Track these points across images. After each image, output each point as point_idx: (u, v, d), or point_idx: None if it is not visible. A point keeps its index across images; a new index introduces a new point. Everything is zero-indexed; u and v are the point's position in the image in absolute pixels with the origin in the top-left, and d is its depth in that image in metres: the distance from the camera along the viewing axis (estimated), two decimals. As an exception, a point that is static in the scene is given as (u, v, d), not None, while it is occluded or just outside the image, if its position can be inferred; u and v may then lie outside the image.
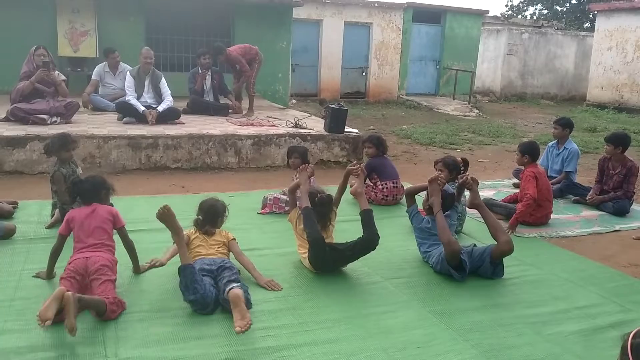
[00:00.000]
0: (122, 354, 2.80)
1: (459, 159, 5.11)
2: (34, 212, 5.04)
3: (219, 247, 3.74)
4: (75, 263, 3.33)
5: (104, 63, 9.21)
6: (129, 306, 3.31)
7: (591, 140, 11.29)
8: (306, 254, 3.95)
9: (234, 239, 3.89)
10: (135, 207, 5.30)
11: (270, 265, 4.04)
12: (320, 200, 4.04)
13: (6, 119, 7.27)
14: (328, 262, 3.88)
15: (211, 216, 3.82)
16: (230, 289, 3.22)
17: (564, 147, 6.79)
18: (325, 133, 7.92)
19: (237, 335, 3.04)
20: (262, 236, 4.72)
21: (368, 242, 3.87)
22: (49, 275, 3.61)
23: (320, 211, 4.00)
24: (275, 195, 5.48)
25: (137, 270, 3.77)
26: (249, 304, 3.30)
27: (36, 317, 2.87)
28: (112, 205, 3.95)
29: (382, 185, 5.89)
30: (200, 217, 3.83)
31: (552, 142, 7.05)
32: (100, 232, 3.49)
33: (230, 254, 3.84)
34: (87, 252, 3.39)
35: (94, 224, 3.49)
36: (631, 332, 2.00)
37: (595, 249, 4.89)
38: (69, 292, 2.90)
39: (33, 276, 3.66)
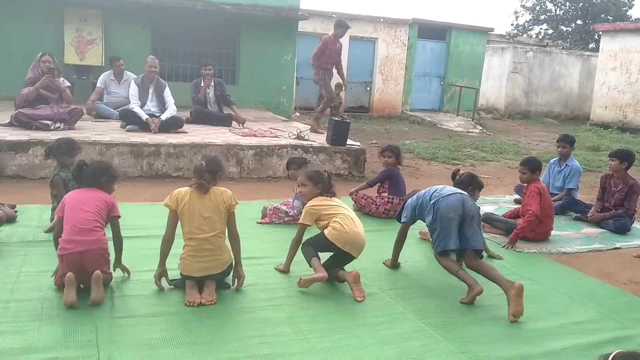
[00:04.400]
0: (115, 358, 2.79)
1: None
2: (34, 216, 5.04)
3: (212, 212, 3.54)
4: (68, 258, 3.35)
5: (109, 71, 9.27)
6: (124, 310, 3.31)
7: (594, 159, 11.30)
8: (332, 226, 3.88)
9: (235, 205, 3.66)
10: (136, 213, 5.30)
11: (268, 274, 4.04)
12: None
13: (10, 124, 7.31)
14: None
15: (213, 165, 3.61)
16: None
17: (566, 164, 6.78)
18: (328, 145, 7.93)
19: (230, 342, 3.03)
20: (260, 245, 4.71)
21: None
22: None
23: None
24: (275, 206, 5.48)
25: (119, 264, 3.73)
26: (225, 284, 3.72)
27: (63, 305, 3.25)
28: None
29: (389, 198, 5.87)
30: (203, 162, 3.61)
31: (554, 159, 7.04)
32: (92, 215, 3.47)
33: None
34: (79, 239, 3.38)
35: (86, 205, 3.50)
36: (610, 354, 1.96)
37: (595, 266, 4.86)
38: (98, 271, 3.32)
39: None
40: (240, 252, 3.77)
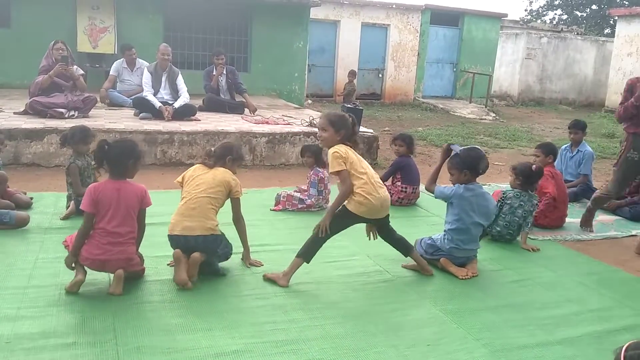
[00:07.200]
0: (132, 343, 2.82)
1: (534, 167, 4.95)
2: (50, 203, 5.09)
3: (211, 184, 3.64)
4: (92, 263, 3.35)
5: (122, 59, 9.29)
6: (140, 296, 3.35)
7: (608, 145, 11.20)
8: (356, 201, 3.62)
9: (239, 192, 3.77)
10: (149, 201, 5.33)
11: (282, 261, 4.02)
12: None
13: (25, 112, 7.36)
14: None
15: (222, 149, 3.84)
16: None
17: (578, 150, 6.72)
18: (340, 132, 7.90)
19: (245, 328, 3.06)
20: (274, 232, 4.74)
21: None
22: (75, 255, 3.38)
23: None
24: (288, 193, 5.49)
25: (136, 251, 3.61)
26: (217, 270, 3.72)
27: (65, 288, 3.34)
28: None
29: (402, 187, 5.83)
30: (212, 148, 3.92)
31: (565, 146, 6.97)
32: (126, 220, 3.36)
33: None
34: (107, 247, 3.32)
35: (121, 209, 3.34)
36: (623, 345, 1.97)
37: (610, 254, 4.83)
38: (120, 270, 3.32)
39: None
40: (246, 235, 3.93)
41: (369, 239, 4.00)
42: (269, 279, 3.69)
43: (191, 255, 3.53)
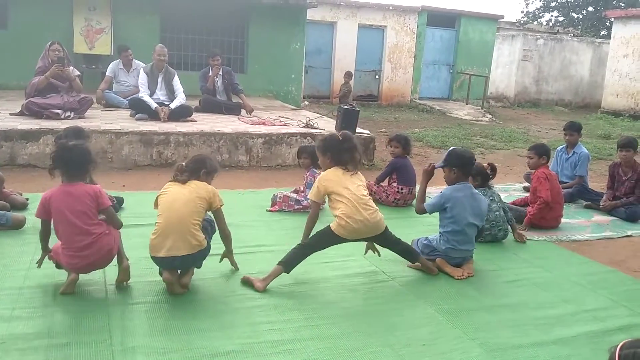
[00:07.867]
0: (127, 343, 2.82)
1: (486, 164, 5.01)
2: (46, 204, 5.07)
3: (187, 200, 3.41)
4: (80, 269, 3.34)
5: (118, 60, 9.29)
6: (135, 297, 3.34)
7: (605, 147, 11.23)
8: (337, 223, 3.65)
9: (219, 203, 3.57)
10: (145, 202, 5.25)
11: (277, 261, 4.03)
12: (344, 135, 3.82)
13: (21, 113, 7.34)
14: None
15: (194, 163, 3.60)
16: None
17: (574, 152, 6.73)
18: (337, 133, 7.91)
19: (242, 328, 3.06)
20: (270, 233, 4.74)
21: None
22: (45, 251, 3.45)
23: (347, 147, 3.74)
24: (285, 194, 5.49)
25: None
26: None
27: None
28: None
29: (398, 188, 5.85)
30: (184, 163, 3.63)
31: (561, 147, 6.98)
32: (89, 217, 3.27)
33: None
34: (86, 253, 3.28)
35: (78, 210, 3.24)
36: (618, 344, 1.97)
37: (605, 254, 4.84)
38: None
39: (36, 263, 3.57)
40: (231, 244, 3.79)
41: (367, 253, 4.12)
42: (246, 281, 3.62)
43: (181, 281, 3.44)
